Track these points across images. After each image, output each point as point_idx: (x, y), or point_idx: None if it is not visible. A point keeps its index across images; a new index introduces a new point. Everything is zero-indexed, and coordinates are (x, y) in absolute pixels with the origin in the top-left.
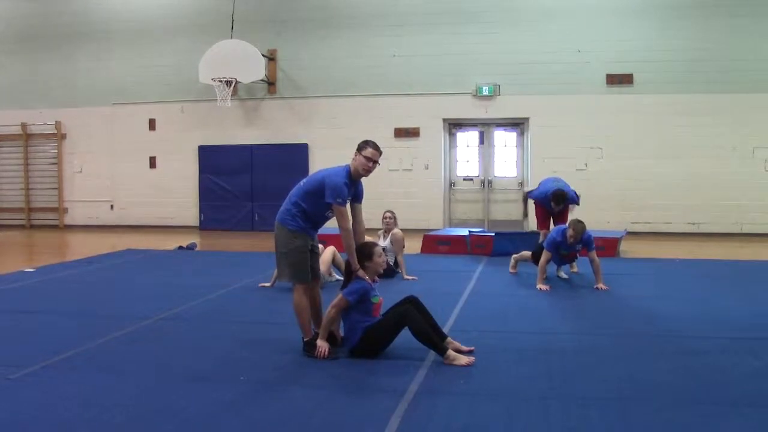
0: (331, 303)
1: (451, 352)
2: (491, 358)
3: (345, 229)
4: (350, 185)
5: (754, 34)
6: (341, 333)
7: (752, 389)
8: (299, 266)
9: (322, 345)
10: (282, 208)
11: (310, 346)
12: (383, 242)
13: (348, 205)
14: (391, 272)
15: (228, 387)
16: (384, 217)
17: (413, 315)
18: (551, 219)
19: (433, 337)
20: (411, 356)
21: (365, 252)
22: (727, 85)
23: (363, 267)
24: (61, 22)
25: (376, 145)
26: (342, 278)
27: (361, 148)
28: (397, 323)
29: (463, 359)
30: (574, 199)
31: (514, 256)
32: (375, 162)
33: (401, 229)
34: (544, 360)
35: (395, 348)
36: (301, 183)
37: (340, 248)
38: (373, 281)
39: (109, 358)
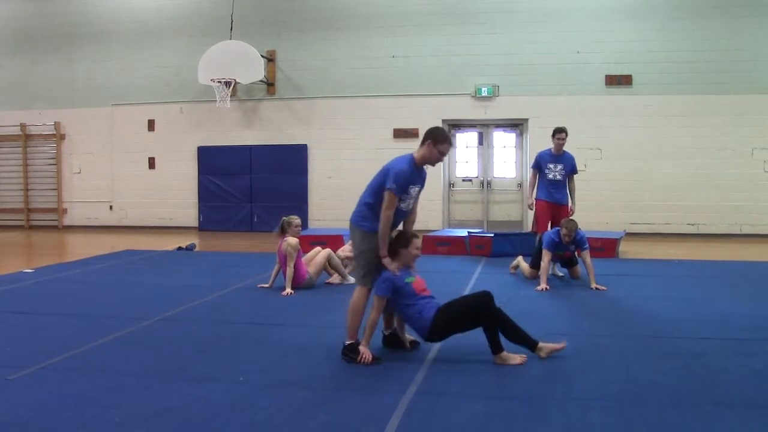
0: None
1: (504, 353)
2: (490, 359)
3: (387, 216)
4: (415, 173)
5: (754, 35)
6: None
7: (751, 390)
8: (368, 269)
9: (364, 351)
10: (355, 210)
11: (351, 350)
12: None
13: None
14: None
15: (228, 387)
16: None
17: (492, 303)
18: (550, 223)
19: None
20: (410, 357)
21: (403, 239)
22: (726, 86)
23: (396, 254)
24: (61, 23)
25: (451, 140)
26: (342, 281)
27: (438, 141)
28: (472, 306)
29: (517, 358)
30: (573, 163)
31: (520, 258)
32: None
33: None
34: (543, 361)
35: (394, 348)
36: (369, 183)
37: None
38: (402, 269)
39: (109, 358)
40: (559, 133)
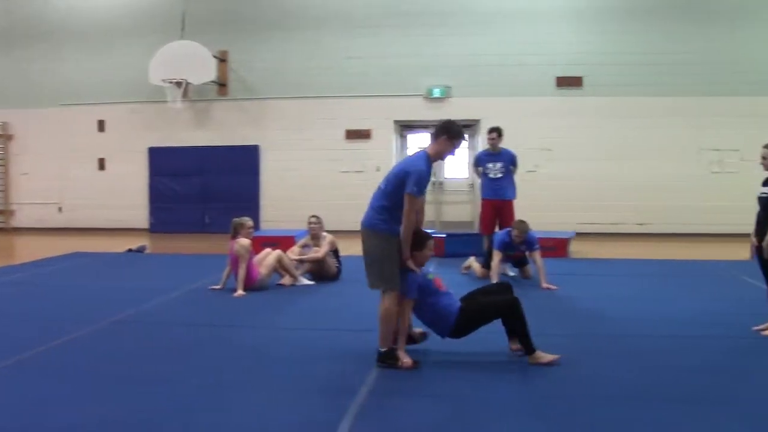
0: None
1: (538, 353)
2: (439, 360)
3: (410, 220)
4: (430, 171)
5: (703, 37)
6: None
7: (696, 385)
8: (393, 272)
9: (404, 356)
10: (368, 214)
11: (390, 357)
12: (324, 248)
13: None
14: (339, 274)
15: (180, 389)
16: (309, 223)
17: (519, 309)
18: (497, 223)
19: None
20: (364, 358)
21: (418, 241)
22: (674, 87)
23: (411, 256)
24: (9, 23)
25: (464, 134)
26: (294, 282)
27: (453, 136)
28: (498, 310)
29: (548, 357)
30: (513, 157)
31: (472, 259)
32: None
33: (344, 231)
34: (493, 362)
35: (351, 349)
36: (381, 186)
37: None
38: (419, 269)
39: (58, 362)
40: (490, 132)
